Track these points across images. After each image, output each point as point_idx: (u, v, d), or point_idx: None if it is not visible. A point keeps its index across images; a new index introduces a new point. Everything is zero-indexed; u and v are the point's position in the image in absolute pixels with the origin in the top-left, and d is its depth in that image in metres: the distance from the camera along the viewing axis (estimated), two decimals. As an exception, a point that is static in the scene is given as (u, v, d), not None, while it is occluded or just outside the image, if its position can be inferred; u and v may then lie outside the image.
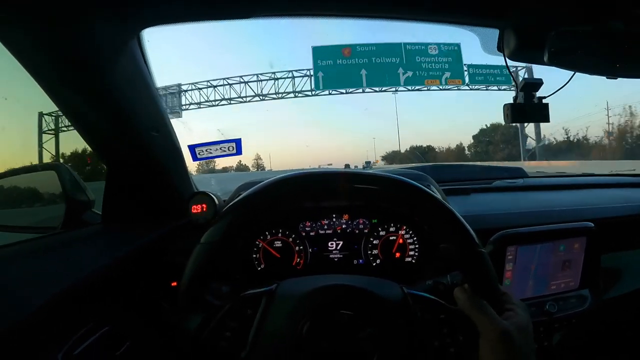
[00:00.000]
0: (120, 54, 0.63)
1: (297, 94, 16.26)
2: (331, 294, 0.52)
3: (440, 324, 0.51)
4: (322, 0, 0.62)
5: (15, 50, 0.57)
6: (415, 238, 0.91)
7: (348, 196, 0.57)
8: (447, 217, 0.52)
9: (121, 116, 0.70)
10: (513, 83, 0.79)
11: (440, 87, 15.10)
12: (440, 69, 14.65)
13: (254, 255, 0.90)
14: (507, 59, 0.75)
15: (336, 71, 14.58)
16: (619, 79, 0.74)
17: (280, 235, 0.91)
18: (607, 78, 0.74)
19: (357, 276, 0.57)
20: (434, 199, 0.53)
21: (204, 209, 0.86)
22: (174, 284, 0.84)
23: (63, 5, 0.51)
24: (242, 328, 0.51)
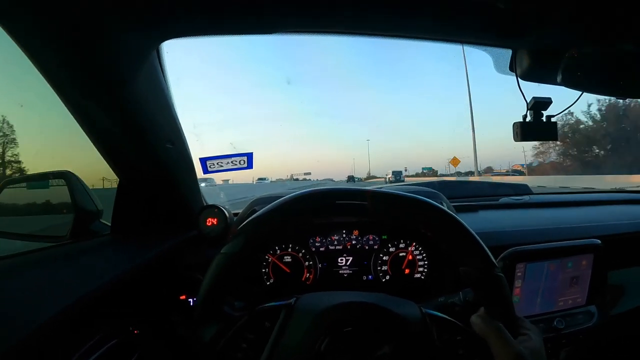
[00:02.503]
0: (140, 64, 0.64)
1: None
2: (351, 311, 0.52)
3: (456, 346, 0.51)
4: (340, 21, 0.63)
5: (34, 58, 0.57)
6: (424, 255, 0.92)
7: (368, 215, 0.57)
8: (468, 240, 0.52)
9: (137, 127, 0.70)
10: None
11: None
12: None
13: (263, 270, 0.90)
14: (518, 78, 0.77)
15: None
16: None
17: (290, 250, 0.91)
18: (617, 98, 0.75)
19: (377, 294, 0.57)
20: (457, 222, 0.53)
21: (216, 223, 0.86)
22: (183, 297, 0.83)
23: (85, 14, 0.52)
24: (259, 340, 0.51)
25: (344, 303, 0.52)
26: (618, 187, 1.64)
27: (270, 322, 0.52)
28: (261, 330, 0.51)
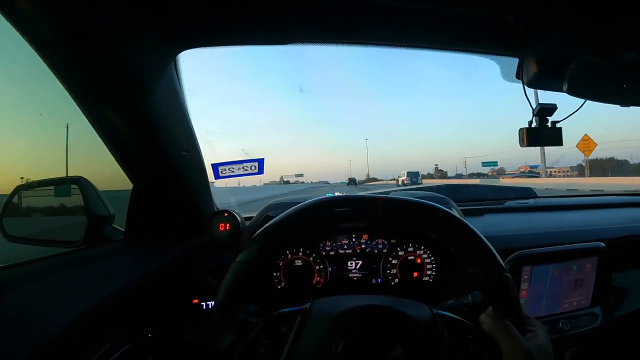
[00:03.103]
0: (158, 74, 0.65)
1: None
2: (365, 314, 0.53)
3: (466, 345, 0.52)
4: (351, 33, 0.65)
5: (54, 68, 0.58)
6: (432, 258, 0.93)
7: (379, 221, 0.58)
8: (476, 244, 0.54)
9: (155, 135, 0.72)
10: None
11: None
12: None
13: (275, 274, 0.91)
14: (525, 86, 0.79)
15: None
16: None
17: (300, 254, 0.92)
18: (621, 106, 0.77)
19: (388, 297, 0.58)
20: (466, 226, 0.54)
21: (228, 228, 0.88)
22: (196, 301, 0.84)
23: (106, 25, 0.53)
24: (275, 346, 0.51)
25: (358, 307, 0.54)
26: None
27: (287, 327, 0.53)
28: (277, 335, 0.52)
